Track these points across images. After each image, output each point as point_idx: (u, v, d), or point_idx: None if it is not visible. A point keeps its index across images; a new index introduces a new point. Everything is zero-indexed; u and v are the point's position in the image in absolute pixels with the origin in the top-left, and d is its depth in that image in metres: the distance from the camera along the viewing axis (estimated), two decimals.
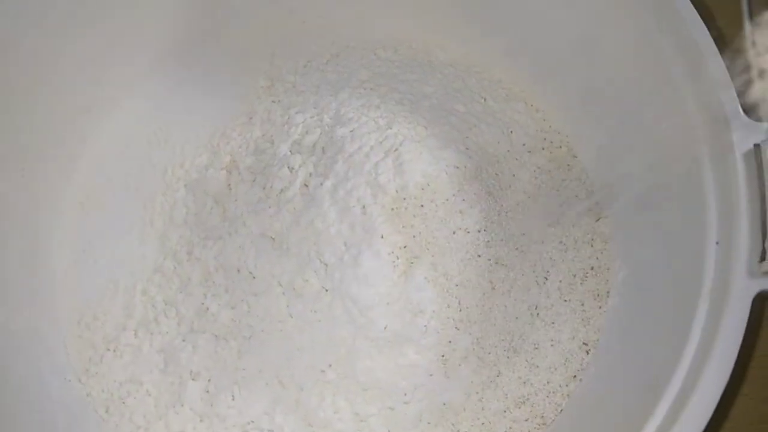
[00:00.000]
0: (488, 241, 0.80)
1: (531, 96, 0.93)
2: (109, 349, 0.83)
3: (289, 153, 0.86)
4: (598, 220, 0.85)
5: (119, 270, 0.87)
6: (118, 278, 0.86)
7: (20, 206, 0.83)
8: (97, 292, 0.86)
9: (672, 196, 0.74)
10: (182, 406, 0.80)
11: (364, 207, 0.79)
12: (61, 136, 0.87)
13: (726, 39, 0.77)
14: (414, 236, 0.78)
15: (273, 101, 0.93)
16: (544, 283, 0.81)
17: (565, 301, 0.81)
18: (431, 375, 0.78)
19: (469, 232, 0.79)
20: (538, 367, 0.79)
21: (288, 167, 0.85)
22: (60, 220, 0.88)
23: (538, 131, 0.90)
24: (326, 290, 0.78)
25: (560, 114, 0.91)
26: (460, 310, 0.78)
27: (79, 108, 0.89)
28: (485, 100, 0.90)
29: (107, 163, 0.92)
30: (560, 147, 0.90)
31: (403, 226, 0.78)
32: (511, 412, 0.79)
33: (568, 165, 0.89)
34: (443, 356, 0.79)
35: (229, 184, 0.89)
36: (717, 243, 0.65)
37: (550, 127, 0.91)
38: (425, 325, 0.78)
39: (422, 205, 0.79)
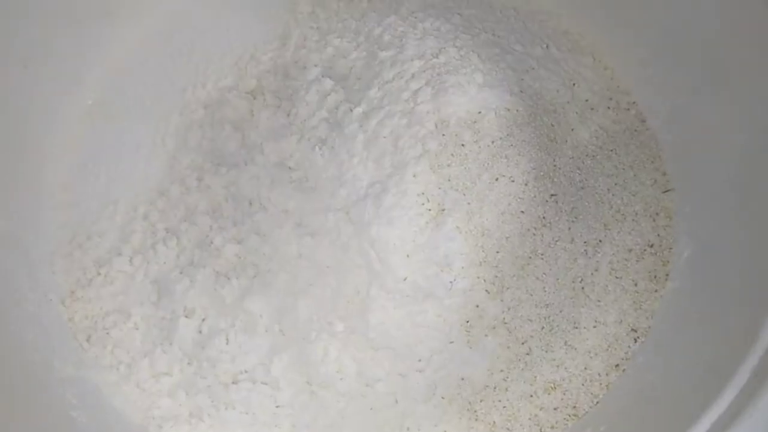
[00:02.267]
0: (534, 197, 0.70)
1: (599, 51, 0.83)
2: (99, 273, 0.76)
3: (321, 77, 0.77)
4: (665, 192, 0.74)
5: (121, 189, 0.79)
6: (119, 198, 0.79)
7: (21, 104, 0.75)
8: (94, 210, 0.78)
9: (756, 162, 0.64)
10: (171, 344, 0.72)
11: (396, 139, 0.69)
12: (76, 35, 0.80)
13: None
14: (449, 179, 0.68)
15: (311, 27, 0.84)
16: (595, 254, 0.71)
17: (617, 278, 0.71)
18: (452, 342, 0.69)
19: (513, 182, 0.69)
20: (575, 349, 0.70)
21: (317, 92, 0.76)
22: (64, 126, 0.80)
23: (604, 89, 0.81)
24: (343, 229, 0.70)
25: (631, 73, 0.82)
26: (494, 272, 0.68)
27: (100, 9, 0.81)
28: (548, 46, 0.81)
29: (123, 73, 0.84)
30: (628, 109, 0.80)
31: (438, 166, 0.69)
32: (538, 398, 0.69)
33: (636, 130, 0.78)
34: (468, 322, 0.69)
35: (252, 110, 0.81)
36: None
37: (618, 86, 0.81)
38: (451, 282, 0.68)
39: (463, 145, 0.69)
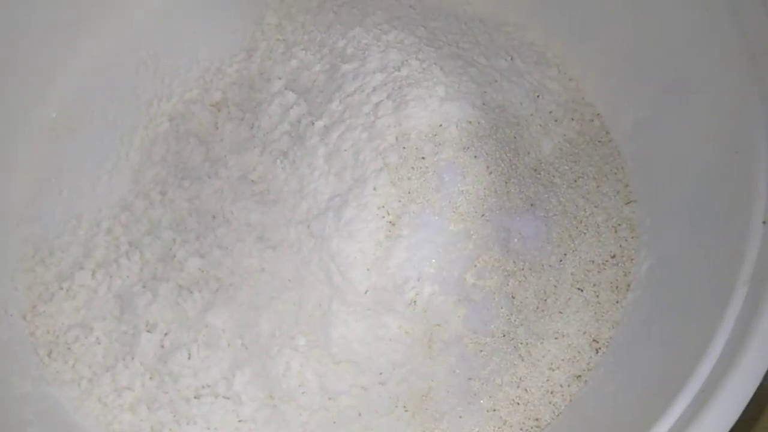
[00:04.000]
0: (496, 210, 0.70)
1: (565, 62, 0.83)
2: (62, 288, 0.75)
3: (284, 89, 0.77)
4: (627, 203, 0.74)
5: (85, 204, 0.78)
6: (82, 212, 0.78)
7: None
8: (57, 225, 0.78)
9: (716, 176, 0.64)
10: (132, 359, 0.71)
11: (357, 152, 0.69)
12: (39, 47, 0.79)
13: None
14: (410, 191, 0.68)
15: (278, 39, 0.84)
16: (559, 264, 0.70)
17: (579, 290, 0.71)
18: (414, 355, 0.68)
19: (475, 195, 0.69)
20: (538, 362, 0.69)
21: (279, 104, 0.76)
22: (26, 140, 0.80)
23: (569, 101, 0.81)
24: (304, 243, 0.69)
25: (596, 85, 0.82)
26: (456, 284, 0.68)
27: (63, 20, 0.81)
28: (512, 59, 0.81)
29: (87, 87, 0.84)
30: (592, 120, 0.80)
31: (399, 179, 0.68)
32: (501, 410, 0.68)
33: (600, 141, 0.79)
34: (430, 336, 0.68)
35: (217, 123, 0.80)
36: (764, 222, 0.54)
37: (582, 98, 0.82)
38: (412, 297, 0.67)
39: (424, 158, 0.69)
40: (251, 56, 0.84)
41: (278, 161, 0.72)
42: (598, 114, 0.80)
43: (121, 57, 0.85)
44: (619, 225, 0.73)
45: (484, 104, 0.73)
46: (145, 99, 0.83)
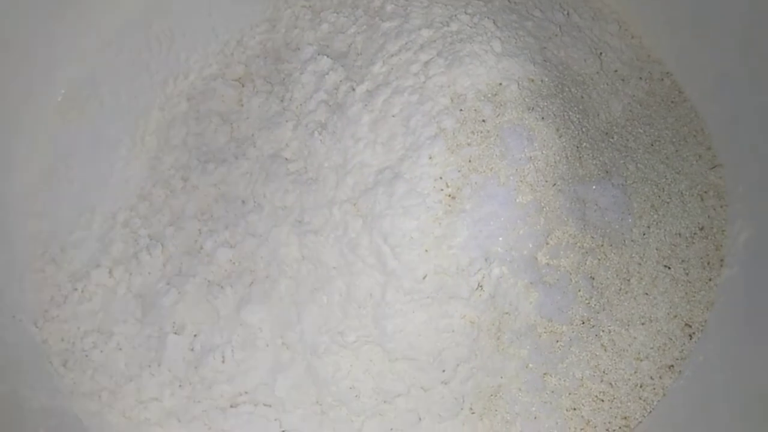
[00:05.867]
0: (569, 179, 0.61)
1: (625, 18, 0.76)
2: (76, 289, 0.68)
3: (316, 55, 0.69)
4: (712, 168, 0.66)
5: (98, 195, 0.72)
6: (96, 205, 0.72)
7: None
8: (68, 219, 0.71)
9: None
10: (159, 366, 0.65)
11: (407, 118, 0.61)
12: (44, 23, 0.72)
13: None
14: (470, 160, 0.60)
15: (303, 5, 0.77)
16: (642, 238, 0.62)
17: (666, 266, 0.63)
18: (480, 349, 0.61)
19: (544, 162, 0.60)
20: (623, 351, 0.62)
21: (313, 72, 0.68)
22: (30, 126, 0.73)
23: (633, 59, 0.73)
24: (350, 224, 0.62)
25: (662, 42, 0.74)
26: (527, 265, 0.60)
27: None
28: (568, 14, 0.72)
29: (96, 65, 0.77)
30: (662, 79, 0.72)
31: (457, 146, 0.60)
32: (582, 409, 0.61)
33: (673, 101, 0.71)
34: (498, 326, 0.60)
35: (241, 100, 0.74)
36: None
37: (648, 56, 0.74)
38: (477, 281, 0.59)
39: (484, 121, 0.60)
40: (275, 26, 0.78)
41: (315, 134, 0.65)
42: (668, 72, 0.72)
43: (132, 32, 0.79)
44: (705, 193, 0.65)
45: (545, 60, 0.65)
46: (159, 77, 0.77)
